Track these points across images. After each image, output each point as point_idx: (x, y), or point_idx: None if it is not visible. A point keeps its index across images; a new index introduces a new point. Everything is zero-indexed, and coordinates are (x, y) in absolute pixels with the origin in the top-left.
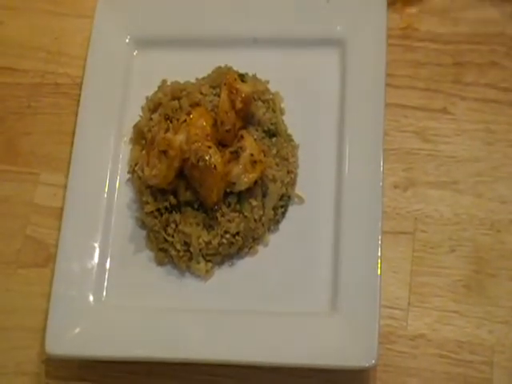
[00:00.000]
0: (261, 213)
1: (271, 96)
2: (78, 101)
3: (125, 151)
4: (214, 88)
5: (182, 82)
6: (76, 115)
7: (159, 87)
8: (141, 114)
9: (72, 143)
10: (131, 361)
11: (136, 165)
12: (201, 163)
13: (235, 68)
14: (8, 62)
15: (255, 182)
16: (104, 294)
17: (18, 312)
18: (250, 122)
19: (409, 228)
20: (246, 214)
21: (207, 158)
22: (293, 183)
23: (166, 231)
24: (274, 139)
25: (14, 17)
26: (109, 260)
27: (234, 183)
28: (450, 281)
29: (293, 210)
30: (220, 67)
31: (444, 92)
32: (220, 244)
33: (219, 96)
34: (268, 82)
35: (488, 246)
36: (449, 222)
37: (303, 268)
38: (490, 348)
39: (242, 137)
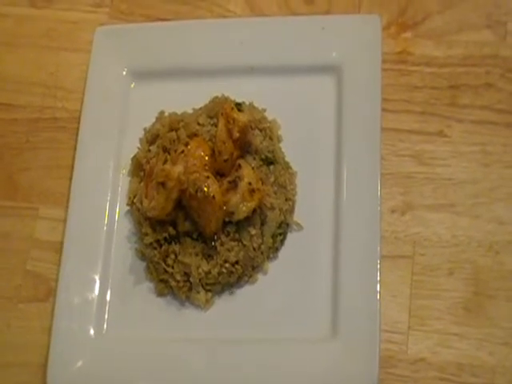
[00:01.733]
0: (260, 241)
1: (268, 124)
2: (77, 135)
3: (123, 183)
4: (211, 118)
5: (179, 112)
6: (74, 149)
7: (157, 118)
8: (139, 145)
9: (71, 177)
10: None
11: (135, 197)
12: (199, 193)
13: (232, 97)
14: (5, 97)
15: (254, 211)
16: (105, 326)
17: (19, 348)
18: (247, 151)
19: (407, 252)
20: (244, 242)
21: (205, 188)
22: (291, 210)
23: (165, 262)
24: (271, 167)
25: (10, 52)
26: (109, 292)
27: (232, 212)
28: (450, 303)
29: (292, 238)
30: (217, 97)
31: (440, 115)
32: (220, 273)
33: (216, 126)
34: (265, 110)
35: (487, 268)
36: (447, 245)
37: (303, 294)
38: (491, 370)
39: (239, 166)
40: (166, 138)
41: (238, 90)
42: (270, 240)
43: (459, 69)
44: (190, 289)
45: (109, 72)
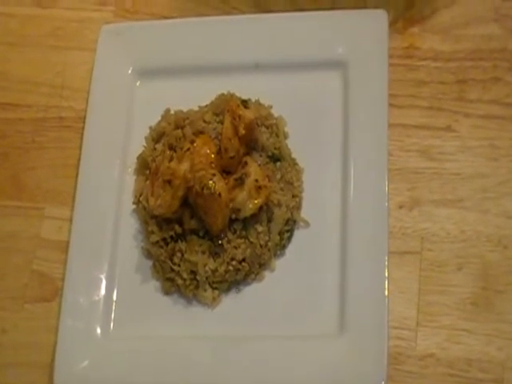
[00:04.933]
0: (267, 238)
1: (274, 121)
2: (82, 134)
3: (129, 182)
4: (217, 115)
5: (185, 110)
6: (80, 148)
7: (162, 117)
8: (145, 144)
9: (77, 176)
10: None
11: (141, 195)
12: (205, 191)
13: (238, 94)
14: (11, 97)
15: (260, 208)
16: (111, 325)
17: (25, 347)
18: (253, 148)
19: (415, 247)
20: (251, 239)
21: (211, 185)
22: (298, 207)
23: (172, 260)
24: (278, 164)
25: (16, 52)
26: (115, 291)
27: (239, 210)
28: (458, 299)
29: (298, 234)
30: (223, 94)
31: (447, 110)
32: (226, 271)
33: (222, 123)
34: (271, 106)
35: (495, 263)
36: (455, 240)
37: (310, 291)
38: (500, 365)
39: (245, 163)
40: (171, 135)
41: (244, 87)
42: (277, 237)
43: (466, 63)
44: (197, 287)
45: (114, 71)
